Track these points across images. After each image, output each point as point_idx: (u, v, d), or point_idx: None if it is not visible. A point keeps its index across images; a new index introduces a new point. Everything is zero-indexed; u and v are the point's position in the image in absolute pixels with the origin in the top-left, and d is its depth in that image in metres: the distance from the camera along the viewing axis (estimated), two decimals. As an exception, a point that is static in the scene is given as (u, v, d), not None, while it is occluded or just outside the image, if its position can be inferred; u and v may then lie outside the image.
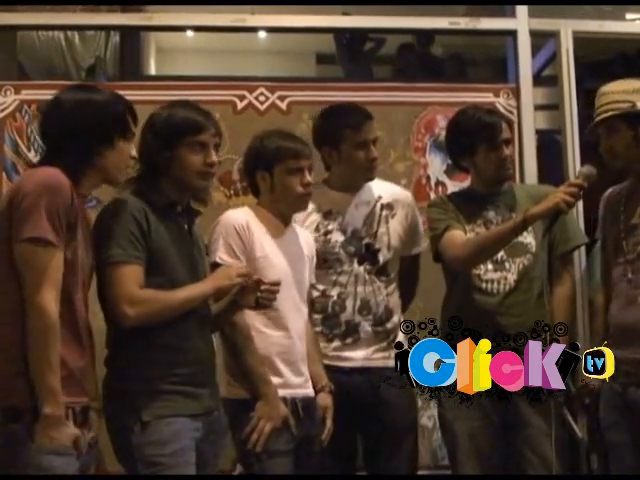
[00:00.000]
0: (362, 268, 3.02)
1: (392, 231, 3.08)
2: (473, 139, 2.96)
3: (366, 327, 2.99)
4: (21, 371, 2.06)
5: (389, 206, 3.10)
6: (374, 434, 2.98)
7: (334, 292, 3.00)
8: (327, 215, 3.06)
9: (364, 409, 2.94)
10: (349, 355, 2.98)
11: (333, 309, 2.99)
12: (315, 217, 3.05)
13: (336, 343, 2.98)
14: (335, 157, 3.02)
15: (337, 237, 3.03)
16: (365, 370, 2.97)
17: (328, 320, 2.98)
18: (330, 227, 3.04)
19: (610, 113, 2.77)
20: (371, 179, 3.09)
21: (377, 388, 2.93)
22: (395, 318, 3.05)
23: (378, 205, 3.09)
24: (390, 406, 2.95)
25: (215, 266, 2.68)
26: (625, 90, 2.77)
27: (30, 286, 2.07)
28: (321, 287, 2.99)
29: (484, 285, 2.93)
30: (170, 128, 2.45)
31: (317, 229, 3.03)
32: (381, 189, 3.12)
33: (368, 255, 3.03)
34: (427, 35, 6.69)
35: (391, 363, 2.90)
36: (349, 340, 2.99)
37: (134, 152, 2.37)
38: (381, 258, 3.05)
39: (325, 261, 2.99)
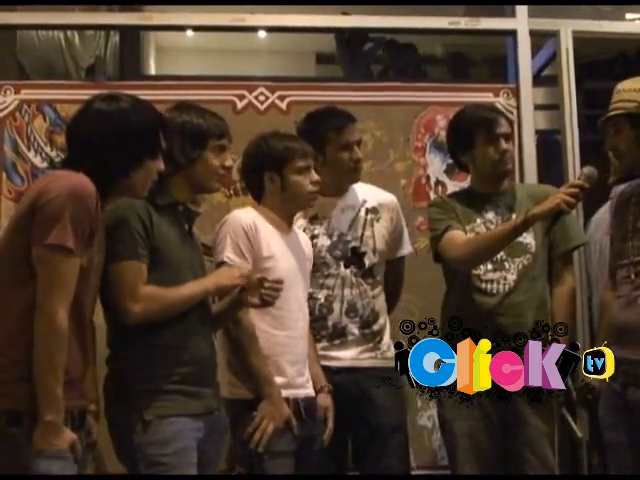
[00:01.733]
0: (349, 271, 3.03)
1: (377, 235, 3.09)
2: (471, 132, 2.98)
3: (353, 329, 3.00)
4: (23, 375, 2.05)
5: (374, 210, 3.12)
6: (362, 434, 2.99)
7: (321, 295, 3.01)
8: (313, 220, 3.08)
9: (352, 408, 2.95)
10: (337, 355, 2.99)
11: (320, 312, 3.00)
12: (302, 222, 3.06)
13: (323, 343, 2.99)
14: (320, 160, 3.02)
15: (323, 241, 3.05)
16: (353, 370, 2.98)
17: (315, 322, 2.98)
18: (316, 231, 3.06)
19: (617, 112, 2.76)
20: (356, 181, 3.11)
21: (365, 388, 2.95)
22: (381, 320, 3.06)
23: (363, 209, 3.10)
24: (378, 405, 2.96)
25: (221, 265, 2.69)
26: (635, 89, 2.77)
27: (43, 292, 2.05)
28: (309, 290, 2.98)
29: (484, 285, 2.93)
30: (201, 131, 2.50)
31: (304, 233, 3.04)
32: (366, 193, 3.14)
33: (354, 259, 3.05)
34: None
35: (379, 363, 2.99)
36: (337, 342, 3.00)
37: (161, 166, 2.32)
38: (367, 261, 3.06)
39: (312, 265, 2.99)
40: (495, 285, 2.93)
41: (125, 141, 2.20)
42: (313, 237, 3.05)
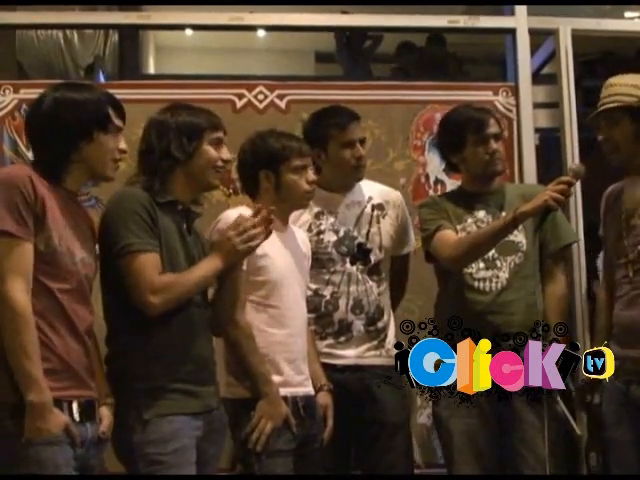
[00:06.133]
0: (354, 268, 3.04)
1: (383, 231, 3.10)
2: (460, 133, 2.98)
3: (359, 326, 3.01)
4: (6, 366, 2.06)
5: (380, 206, 3.13)
6: (366, 431, 2.99)
7: (327, 291, 3.01)
8: (319, 215, 3.08)
9: (356, 406, 2.95)
10: (341, 353, 3.00)
11: (326, 308, 3.01)
12: (307, 217, 3.06)
13: (329, 341, 3.00)
14: (323, 158, 3.04)
15: (329, 237, 3.05)
16: (357, 368, 2.99)
17: (321, 319, 2.99)
18: (322, 227, 3.06)
19: (614, 104, 2.76)
20: (359, 179, 3.12)
21: (370, 386, 2.96)
22: (385, 317, 3.07)
23: (369, 205, 3.11)
24: (382, 403, 2.97)
25: None
26: (633, 85, 2.77)
27: None
28: (314, 286, 2.99)
29: (476, 284, 2.94)
30: (196, 124, 2.50)
31: (309, 229, 3.05)
32: (371, 190, 3.15)
33: (360, 255, 3.05)
34: (439, 36, 6.66)
35: (383, 361, 2.99)
36: (342, 339, 3.01)
37: (123, 145, 2.34)
38: (373, 258, 3.07)
39: (318, 261, 3.00)
40: (487, 283, 2.94)
41: (70, 114, 2.24)
42: (319, 233, 3.05)
